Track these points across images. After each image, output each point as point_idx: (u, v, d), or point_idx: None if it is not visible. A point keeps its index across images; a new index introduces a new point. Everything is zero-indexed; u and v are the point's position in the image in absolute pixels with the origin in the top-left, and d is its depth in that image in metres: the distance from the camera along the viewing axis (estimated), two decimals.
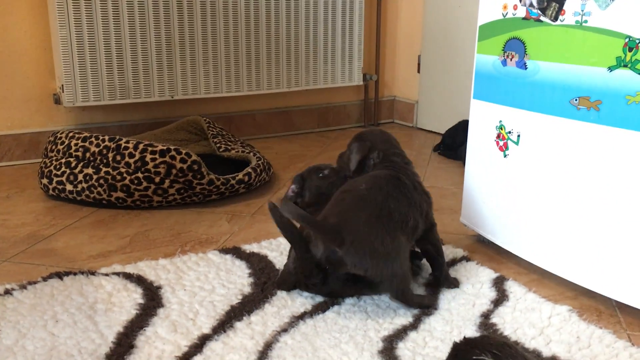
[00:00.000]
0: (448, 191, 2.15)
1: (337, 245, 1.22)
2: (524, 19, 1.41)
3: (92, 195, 1.89)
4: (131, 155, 1.88)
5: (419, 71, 3.16)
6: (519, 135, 1.47)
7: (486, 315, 1.28)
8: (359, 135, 1.48)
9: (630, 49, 1.18)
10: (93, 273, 1.42)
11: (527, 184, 1.46)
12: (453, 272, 1.47)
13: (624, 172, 1.23)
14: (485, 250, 1.63)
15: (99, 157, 1.90)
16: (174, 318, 1.25)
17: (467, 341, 0.91)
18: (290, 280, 1.35)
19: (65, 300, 1.30)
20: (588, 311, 1.32)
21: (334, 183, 1.46)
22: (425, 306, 1.31)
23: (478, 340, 0.91)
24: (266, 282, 1.40)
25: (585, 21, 1.26)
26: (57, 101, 2.41)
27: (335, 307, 1.31)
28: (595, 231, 1.31)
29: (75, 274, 1.41)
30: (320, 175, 1.49)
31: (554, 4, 1.33)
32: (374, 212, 1.26)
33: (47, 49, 2.40)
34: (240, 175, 1.99)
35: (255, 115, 2.94)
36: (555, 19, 1.33)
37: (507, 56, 1.47)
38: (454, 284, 1.41)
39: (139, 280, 1.40)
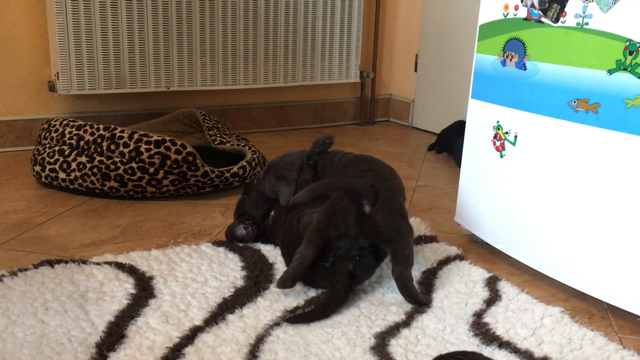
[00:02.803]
0: (442, 190, 2.15)
1: (373, 200, 1.26)
2: (524, 19, 1.41)
3: (85, 184, 1.88)
4: (126, 145, 1.86)
5: (416, 70, 3.16)
6: (516, 136, 1.47)
7: (479, 315, 1.28)
8: (273, 170, 1.52)
9: (631, 53, 1.18)
10: (84, 262, 1.41)
11: (523, 185, 1.46)
12: (446, 271, 1.47)
13: (621, 176, 1.24)
14: (479, 250, 1.64)
15: (93, 146, 1.89)
16: (166, 309, 1.24)
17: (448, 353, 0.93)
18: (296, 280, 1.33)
19: (55, 288, 1.29)
20: (580, 313, 1.32)
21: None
22: (421, 303, 1.31)
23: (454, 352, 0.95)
24: (259, 276, 1.39)
25: (587, 23, 1.26)
26: (52, 88, 2.39)
27: None
28: (589, 234, 1.31)
29: (66, 262, 1.40)
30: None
31: (555, 5, 1.33)
32: (393, 185, 1.37)
33: (43, 35, 2.38)
34: (235, 169, 1.98)
35: (251, 110, 2.93)
36: (557, 20, 1.33)
37: (507, 56, 1.47)
38: None
39: (130, 270, 1.39)
